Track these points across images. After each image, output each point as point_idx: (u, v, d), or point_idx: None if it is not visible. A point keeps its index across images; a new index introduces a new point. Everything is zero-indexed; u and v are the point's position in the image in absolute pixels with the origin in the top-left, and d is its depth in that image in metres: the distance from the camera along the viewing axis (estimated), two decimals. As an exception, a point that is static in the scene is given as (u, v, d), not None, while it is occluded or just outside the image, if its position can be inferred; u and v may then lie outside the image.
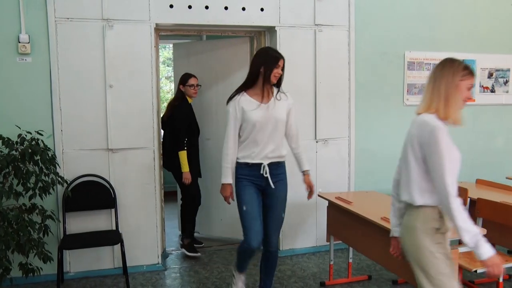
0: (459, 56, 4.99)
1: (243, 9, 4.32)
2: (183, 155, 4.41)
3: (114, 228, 4.07)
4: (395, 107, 4.94)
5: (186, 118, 4.50)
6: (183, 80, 4.53)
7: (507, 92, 5.40)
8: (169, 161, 4.56)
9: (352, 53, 4.68)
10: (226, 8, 4.27)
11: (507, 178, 4.80)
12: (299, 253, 4.67)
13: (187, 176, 4.43)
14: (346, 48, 4.66)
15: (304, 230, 4.71)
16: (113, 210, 4.07)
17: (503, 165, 5.33)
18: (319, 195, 3.97)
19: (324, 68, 4.59)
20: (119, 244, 3.77)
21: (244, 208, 3.20)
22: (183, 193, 4.68)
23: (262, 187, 3.25)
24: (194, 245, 4.70)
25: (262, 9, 4.37)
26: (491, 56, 5.28)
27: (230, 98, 3.25)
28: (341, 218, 3.71)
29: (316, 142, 4.64)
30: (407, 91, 4.96)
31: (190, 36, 5.85)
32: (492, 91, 5.35)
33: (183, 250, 4.64)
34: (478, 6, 5.19)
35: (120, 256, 3.84)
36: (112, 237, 3.90)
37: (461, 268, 3.03)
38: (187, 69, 4.73)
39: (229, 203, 3.37)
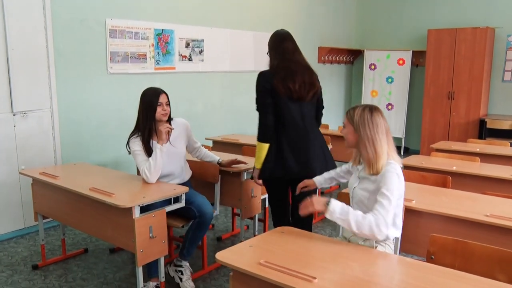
0: (159, 25, 5.26)
1: None
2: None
3: None
4: (99, 75, 4.85)
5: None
6: None
7: (202, 60, 5.93)
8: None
9: (49, 18, 4.35)
10: None
11: (206, 138, 5.32)
12: (5, 239, 4.24)
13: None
14: (41, 12, 4.29)
15: (8, 213, 4.27)
16: None
17: (203, 127, 5.90)
18: (21, 173, 3.64)
19: (16, 33, 4.14)
20: None
21: None
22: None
23: None
24: None
25: None
26: (187, 27, 5.69)
27: None
28: (49, 194, 3.49)
29: (14, 115, 4.20)
30: (110, 59, 4.92)
31: None
32: (190, 59, 5.78)
33: None
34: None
35: None
36: None
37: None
38: None
39: None
